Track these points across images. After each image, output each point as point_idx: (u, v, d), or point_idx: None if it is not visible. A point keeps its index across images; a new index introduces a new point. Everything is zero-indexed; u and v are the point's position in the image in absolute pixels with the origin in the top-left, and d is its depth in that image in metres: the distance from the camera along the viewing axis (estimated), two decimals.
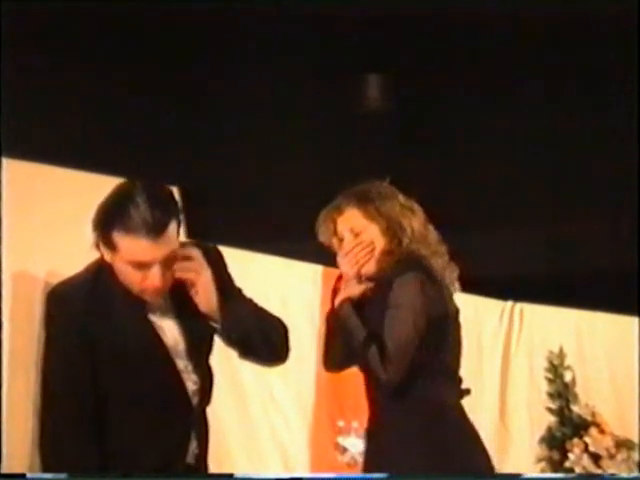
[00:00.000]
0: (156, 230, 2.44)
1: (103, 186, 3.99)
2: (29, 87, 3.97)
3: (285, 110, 4.54)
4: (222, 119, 4.48)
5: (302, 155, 4.81)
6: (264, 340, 2.65)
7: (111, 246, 2.48)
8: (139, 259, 2.46)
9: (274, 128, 4.63)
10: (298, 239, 4.94)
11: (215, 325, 2.57)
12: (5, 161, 3.69)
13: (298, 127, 4.63)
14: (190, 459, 2.63)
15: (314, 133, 4.71)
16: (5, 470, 2.82)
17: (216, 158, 4.66)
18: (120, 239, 2.45)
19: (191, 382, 2.59)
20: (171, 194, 2.52)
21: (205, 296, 2.54)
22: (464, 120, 4.67)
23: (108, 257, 2.51)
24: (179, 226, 2.52)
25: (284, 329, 2.73)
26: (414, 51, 4.25)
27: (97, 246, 2.54)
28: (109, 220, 2.47)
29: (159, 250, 2.47)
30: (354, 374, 5.03)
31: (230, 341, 2.62)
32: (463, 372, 5.19)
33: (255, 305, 2.71)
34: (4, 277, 3.85)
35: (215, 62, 4.23)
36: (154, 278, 2.48)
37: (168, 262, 2.50)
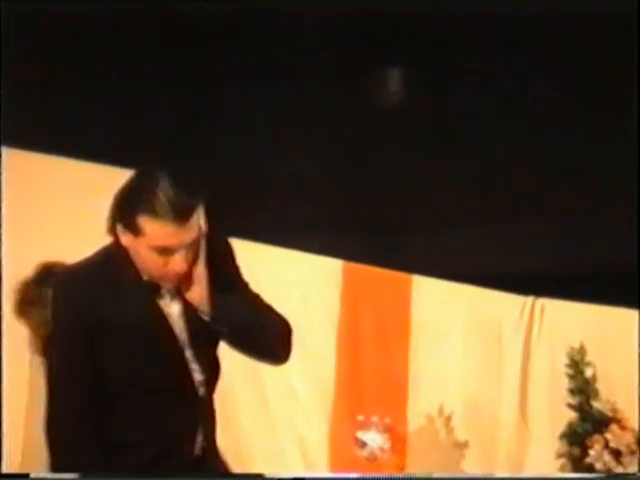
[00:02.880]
0: (183, 215, 2.43)
1: (108, 177, 4.02)
2: (30, 78, 3.96)
3: (302, 104, 4.52)
4: (240, 112, 4.47)
5: (321, 149, 4.80)
6: (257, 338, 2.59)
7: (135, 230, 2.45)
8: (165, 244, 2.45)
9: (293, 122, 4.62)
10: (318, 233, 4.95)
11: (204, 317, 2.55)
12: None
13: (316, 121, 4.61)
14: (197, 450, 2.62)
15: (332, 127, 4.69)
16: (5, 469, 2.81)
17: (234, 151, 4.65)
18: (146, 223, 2.43)
19: (197, 372, 2.58)
20: (195, 180, 2.51)
21: (196, 287, 2.52)
22: (481, 115, 4.64)
23: (127, 241, 2.49)
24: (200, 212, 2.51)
25: (286, 329, 2.64)
26: (432, 45, 4.23)
27: (112, 230, 2.53)
28: (134, 204, 2.45)
29: (185, 235, 2.45)
30: (374, 369, 5.04)
31: (221, 335, 2.59)
32: (483, 367, 5.21)
33: (257, 301, 2.65)
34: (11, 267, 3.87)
35: (229, 55, 4.23)
36: (176, 264, 2.47)
37: (190, 248, 2.50)
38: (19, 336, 3.87)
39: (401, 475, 4.73)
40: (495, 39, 4.14)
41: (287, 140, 4.67)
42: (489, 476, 5.03)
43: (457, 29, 3.98)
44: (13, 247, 3.73)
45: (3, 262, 3.66)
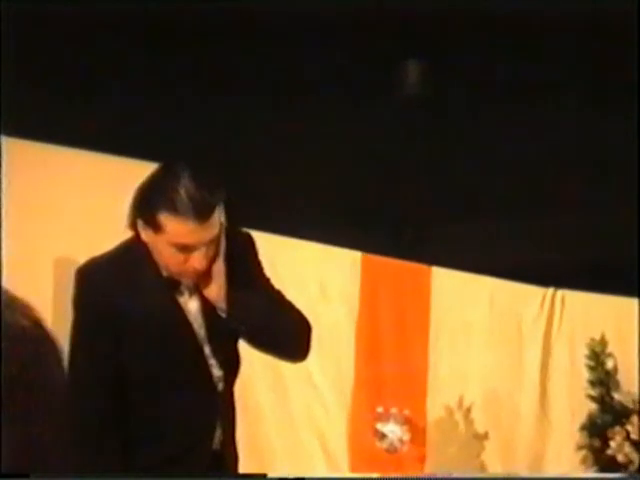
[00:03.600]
0: (204, 213, 2.42)
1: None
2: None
3: (322, 97, 4.51)
4: (258, 105, 4.47)
5: (340, 141, 4.79)
6: (275, 336, 2.58)
7: (155, 227, 2.45)
8: (185, 241, 2.44)
9: (312, 115, 4.61)
10: (337, 226, 4.94)
11: (222, 315, 2.54)
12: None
13: (335, 113, 4.60)
14: (216, 445, 2.61)
15: (351, 119, 4.68)
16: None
17: (254, 144, 4.65)
18: (167, 220, 2.43)
19: (215, 367, 2.57)
20: (216, 177, 2.50)
21: (213, 284, 2.51)
22: (499, 107, 4.62)
23: (148, 237, 2.49)
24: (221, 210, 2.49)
25: (305, 327, 2.63)
26: (452, 38, 4.21)
27: (133, 226, 2.52)
28: (155, 201, 2.44)
29: (205, 233, 2.45)
30: (394, 361, 5.03)
31: (238, 332, 2.57)
32: (503, 359, 5.19)
33: (278, 298, 2.62)
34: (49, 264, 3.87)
35: (247, 48, 4.22)
36: (196, 261, 2.46)
37: (210, 245, 2.49)
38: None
39: (413, 475, 4.72)
40: (496, 38, 4.12)
41: (307, 133, 4.66)
42: (511, 475, 5.02)
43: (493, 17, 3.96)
44: (14, 241, 3.73)
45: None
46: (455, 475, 4.72)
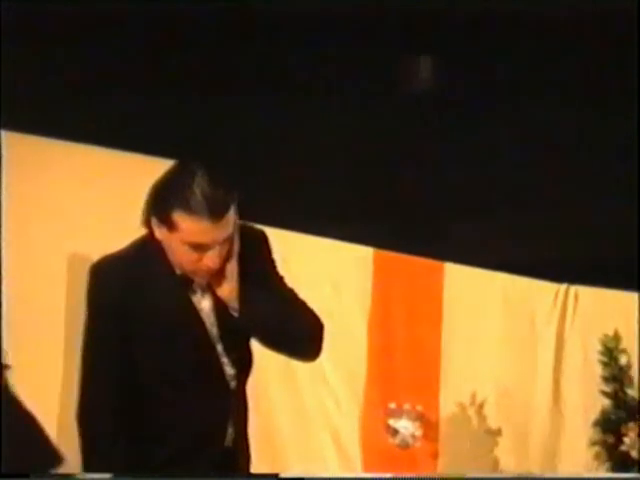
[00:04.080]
0: (218, 212, 2.41)
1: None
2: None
3: (334, 92, 4.51)
4: (270, 99, 4.47)
5: (352, 137, 4.78)
6: (287, 335, 2.56)
7: (170, 226, 2.44)
8: (199, 240, 2.43)
9: (324, 110, 4.61)
10: (350, 221, 4.93)
11: (234, 314, 2.54)
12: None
13: (347, 108, 4.60)
14: (228, 442, 2.61)
15: (363, 114, 4.67)
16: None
17: (265, 140, 4.65)
18: (181, 219, 2.41)
19: (227, 366, 2.57)
20: (229, 175, 2.49)
21: (226, 284, 2.50)
22: (514, 101, 4.61)
23: (162, 235, 2.48)
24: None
25: (318, 326, 2.61)
26: (464, 32, 4.20)
27: (147, 224, 2.52)
28: (170, 199, 2.43)
29: (219, 232, 2.44)
30: (406, 356, 5.03)
31: (250, 331, 2.57)
32: (516, 355, 5.18)
33: (291, 297, 2.61)
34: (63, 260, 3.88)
35: (261, 42, 4.22)
36: (209, 260, 2.45)
37: (224, 244, 2.49)
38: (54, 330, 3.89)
39: (424, 475, 4.72)
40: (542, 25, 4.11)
41: (318, 128, 4.65)
42: (523, 475, 5.01)
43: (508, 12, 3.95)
44: (14, 233, 3.74)
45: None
46: (469, 476, 4.72)
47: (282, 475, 3.16)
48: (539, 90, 4.49)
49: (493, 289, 5.10)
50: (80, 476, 2.48)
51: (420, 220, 5.20)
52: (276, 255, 2.72)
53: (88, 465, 2.51)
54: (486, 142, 4.84)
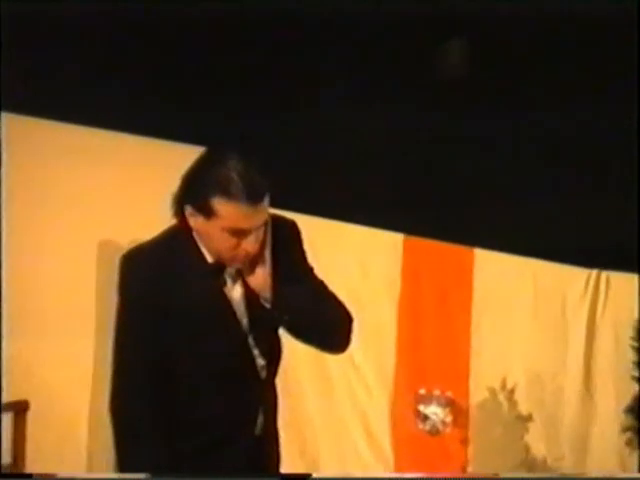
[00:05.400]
0: (257, 196, 2.41)
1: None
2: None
3: (364, 77, 4.49)
4: (299, 87, 4.45)
5: (382, 123, 4.76)
6: (317, 327, 2.56)
7: (208, 213, 2.43)
8: (240, 226, 2.43)
9: (354, 96, 4.59)
10: (379, 208, 4.92)
11: (265, 304, 2.53)
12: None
13: (378, 95, 4.58)
14: (258, 431, 2.61)
15: (394, 100, 4.65)
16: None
17: (295, 128, 4.64)
18: (220, 206, 2.41)
19: (258, 357, 2.57)
20: (261, 162, 2.48)
21: (259, 271, 2.50)
22: (545, 88, 4.58)
23: (197, 224, 2.48)
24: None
25: (347, 318, 2.61)
26: (494, 18, 4.17)
27: (179, 213, 2.51)
28: (207, 187, 2.42)
29: (258, 217, 2.44)
30: (436, 342, 5.02)
31: (281, 322, 2.56)
32: (547, 341, 5.16)
33: (321, 289, 2.61)
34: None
35: (291, 31, 4.21)
36: (249, 245, 2.45)
37: (260, 229, 2.48)
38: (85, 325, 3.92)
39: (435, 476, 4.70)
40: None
41: (348, 116, 4.64)
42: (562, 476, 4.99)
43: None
44: (56, 227, 3.76)
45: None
46: (502, 476, 4.70)
47: (315, 475, 3.16)
48: (574, 78, 4.45)
49: (524, 275, 5.07)
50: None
51: (450, 206, 5.17)
52: (306, 242, 2.72)
53: (123, 462, 2.51)
54: (518, 128, 4.81)
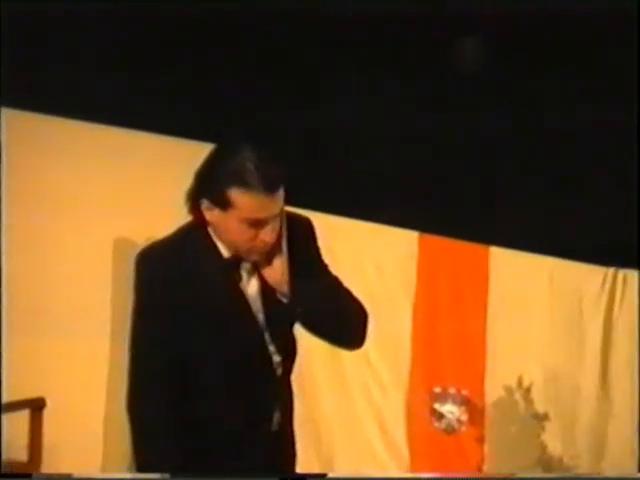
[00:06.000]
0: (273, 185, 2.41)
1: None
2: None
3: (382, 74, 4.49)
4: (317, 83, 4.45)
5: (398, 119, 4.76)
6: (334, 322, 2.55)
7: (225, 205, 2.43)
8: (257, 216, 2.42)
9: (370, 92, 4.59)
10: (395, 205, 4.91)
11: (283, 299, 2.53)
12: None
13: (394, 91, 4.57)
14: (274, 426, 2.61)
15: (411, 97, 4.65)
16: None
17: (312, 125, 4.64)
18: (237, 196, 2.40)
19: (274, 354, 2.57)
20: (275, 152, 2.48)
21: (276, 264, 2.50)
22: (561, 88, 4.56)
23: (214, 217, 2.47)
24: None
25: (362, 314, 2.61)
26: (511, 15, 4.16)
27: (194, 209, 2.51)
28: (223, 178, 2.41)
29: (275, 206, 2.44)
30: (451, 340, 5.01)
31: (297, 317, 2.56)
32: (564, 339, 5.14)
33: (336, 285, 2.60)
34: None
35: (306, 28, 4.21)
36: (267, 235, 2.45)
37: (276, 219, 2.48)
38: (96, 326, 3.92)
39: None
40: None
41: (363, 113, 4.63)
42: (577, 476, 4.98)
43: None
44: (71, 224, 3.77)
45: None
46: (519, 476, 4.69)
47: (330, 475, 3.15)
48: (590, 81, 4.44)
49: (540, 273, 5.06)
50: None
51: (466, 204, 5.16)
52: (320, 240, 2.72)
53: (142, 461, 2.51)
54: (533, 126, 4.80)
